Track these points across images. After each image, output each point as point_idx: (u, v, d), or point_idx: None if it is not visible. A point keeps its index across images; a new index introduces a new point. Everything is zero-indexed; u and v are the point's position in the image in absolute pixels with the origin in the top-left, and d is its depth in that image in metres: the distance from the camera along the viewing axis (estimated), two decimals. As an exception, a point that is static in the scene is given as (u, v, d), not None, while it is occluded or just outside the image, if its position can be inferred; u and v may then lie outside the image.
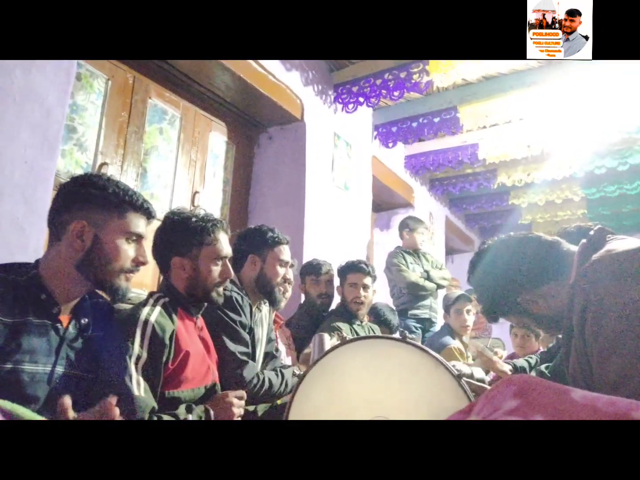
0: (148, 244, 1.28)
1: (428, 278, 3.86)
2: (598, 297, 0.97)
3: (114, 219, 1.14)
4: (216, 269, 1.53)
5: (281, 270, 1.99)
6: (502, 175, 5.32)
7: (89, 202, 1.12)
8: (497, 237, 1.36)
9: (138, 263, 1.18)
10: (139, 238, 1.19)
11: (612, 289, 0.95)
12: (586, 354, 0.98)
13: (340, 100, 3.78)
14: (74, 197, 1.13)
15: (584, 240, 1.13)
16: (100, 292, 1.27)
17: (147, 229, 1.24)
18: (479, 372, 1.95)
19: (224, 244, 1.56)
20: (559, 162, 4.80)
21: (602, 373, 0.92)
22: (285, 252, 2.03)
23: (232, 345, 1.69)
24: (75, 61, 2.04)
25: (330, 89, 3.77)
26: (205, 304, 1.57)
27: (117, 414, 0.86)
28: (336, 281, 2.89)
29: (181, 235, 1.50)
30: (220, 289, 1.56)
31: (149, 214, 1.21)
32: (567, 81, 3.47)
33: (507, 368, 2.07)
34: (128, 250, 1.16)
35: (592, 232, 1.14)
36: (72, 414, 0.86)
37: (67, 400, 0.85)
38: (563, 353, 1.15)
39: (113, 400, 0.87)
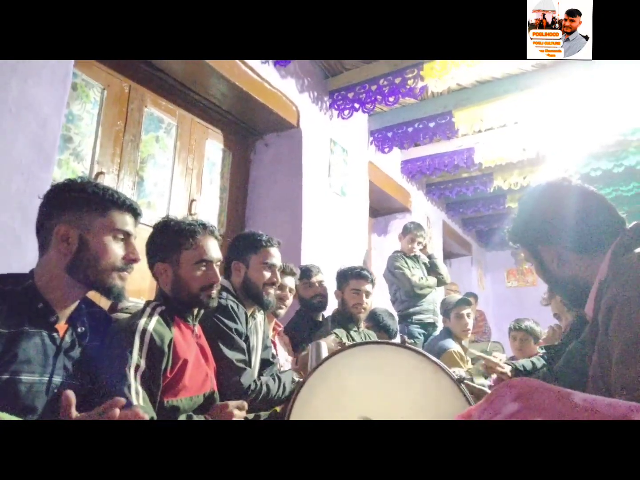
0: (139, 243, 1.27)
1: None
2: (625, 297, 0.94)
3: (98, 218, 1.14)
4: (199, 273, 1.50)
5: (266, 273, 1.92)
6: (498, 178, 5.35)
7: (70, 205, 1.12)
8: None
9: (129, 260, 1.18)
10: (126, 236, 1.19)
11: (636, 289, 0.92)
12: (609, 355, 0.95)
13: (335, 107, 3.80)
14: (55, 203, 1.13)
15: (619, 237, 1.10)
16: (95, 301, 1.27)
17: (137, 230, 1.24)
18: (478, 378, 1.95)
19: (208, 247, 1.53)
20: (554, 164, 4.82)
21: (620, 376, 0.89)
22: (272, 255, 1.96)
23: (229, 353, 1.69)
24: (70, 71, 2.04)
25: (325, 95, 3.79)
26: (202, 310, 1.57)
27: (117, 413, 0.86)
28: (332, 285, 2.89)
29: (161, 240, 1.52)
30: (213, 292, 1.52)
31: (133, 211, 1.21)
32: (561, 84, 3.49)
33: (507, 369, 2.05)
34: (116, 248, 1.16)
35: (628, 228, 1.11)
36: (75, 413, 0.87)
37: (71, 396, 0.86)
38: (588, 354, 1.12)
39: (119, 403, 0.87)
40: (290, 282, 2.48)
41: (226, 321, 1.73)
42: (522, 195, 1.35)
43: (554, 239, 1.19)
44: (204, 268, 1.51)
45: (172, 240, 1.50)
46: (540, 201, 1.26)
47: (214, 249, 1.54)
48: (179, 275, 1.49)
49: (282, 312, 2.42)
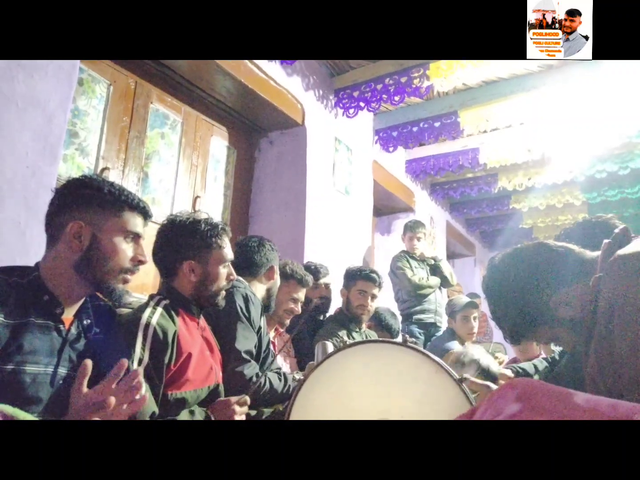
0: (146, 245, 1.27)
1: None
2: (619, 295, 0.93)
3: (111, 218, 1.14)
4: (224, 272, 1.56)
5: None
6: (502, 179, 5.33)
7: (85, 202, 1.13)
8: (502, 253, 1.27)
9: (137, 262, 1.19)
10: (136, 237, 1.19)
11: (632, 287, 0.91)
12: (611, 354, 0.93)
13: (341, 105, 3.79)
14: (70, 198, 1.13)
15: (606, 240, 1.08)
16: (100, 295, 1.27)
17: (145, 230, 1.24)
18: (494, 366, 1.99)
19: (229, 247, 1.60)
20: (559, 166, 4.80)
21: (617, 376, 0.88)
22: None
23: (239, 342, 1.71)
24: (77, 66, 2.04)
25: (331, 93, 3.78)
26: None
27: (112, 401, 0.91)
28: (338, 284, 2.88)
29: (191, 239, 1.51)
30: (224, 293, 1.59)
31: (145, 214, 1.21)
32: (567, 85, 3.48)
33: (508, 373, 2.07)
34: (126, 249, 1.16)
35: (616, 231, 1.09)
36: (85, 388, 0.95)
37: (88, 367, 0.95)
38: (582, 353, 1.11)
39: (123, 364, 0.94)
40: (303, 295, 2.44)
41: (244, 309, 1.78)
42: (492, 298, 1.26)
43: (555, 284, 1.16)
44: (228, 267, 1.59)
45: (205, 240, 1.52)
46: (509, 300, 1.21)
47: (230, 249, 1.62)
48: (208, 273, 1.52)
49: (288, 322, 2.41)
